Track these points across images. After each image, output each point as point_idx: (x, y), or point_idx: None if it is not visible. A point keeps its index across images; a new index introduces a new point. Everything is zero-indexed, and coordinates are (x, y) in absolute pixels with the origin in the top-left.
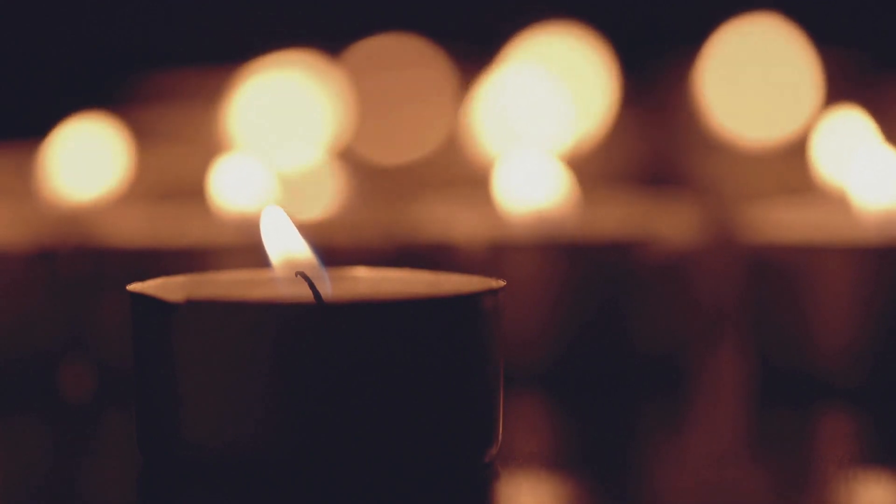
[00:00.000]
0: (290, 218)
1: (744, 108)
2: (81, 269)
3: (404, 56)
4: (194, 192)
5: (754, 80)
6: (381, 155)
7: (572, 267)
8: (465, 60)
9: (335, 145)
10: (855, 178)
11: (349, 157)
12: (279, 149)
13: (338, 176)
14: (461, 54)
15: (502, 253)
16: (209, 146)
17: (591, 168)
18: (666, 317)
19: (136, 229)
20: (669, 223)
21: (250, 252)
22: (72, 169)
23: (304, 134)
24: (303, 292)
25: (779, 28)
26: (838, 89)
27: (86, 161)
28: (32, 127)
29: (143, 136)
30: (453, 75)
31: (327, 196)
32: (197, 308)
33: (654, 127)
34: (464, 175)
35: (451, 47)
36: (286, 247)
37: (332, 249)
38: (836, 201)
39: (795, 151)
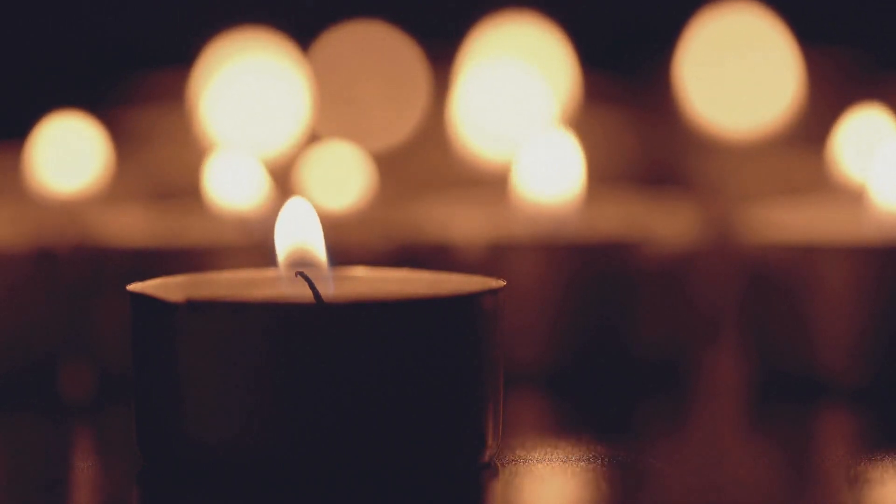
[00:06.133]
0: (315, 212)
1: (733, 103)
2: (81, 269)
3: (375, 45)
4: (193, 192)
5: (739, 73)
6: (359, 145)
7: (572, 267)
8: (441, 53)
9: (319, 138)
10: (870, 176)
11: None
12: (271, 144)
13: (332, 170)
14: (436, 46)
15: (502, 253)
16: (205, 144)
17: (589, 168)
18: (666, 317)
19: (136, 229)
20: (669, 223)
21: (250, 252)
22: (71, 169)
23: (290, 127)
24: (303, 292)
25: (760, 18)
26: (839, 88)
27: (85, 161)
28: (27, 127)
29: (139, 135)
30: (430, 67)
31: (328, 191)
32: (197, 308)
33: (652, 126)
34: (463, 174)
35: (424, 39)
36: (300, 240)
37: (332, 250)
38: (836, 200)
39: (790, 148)
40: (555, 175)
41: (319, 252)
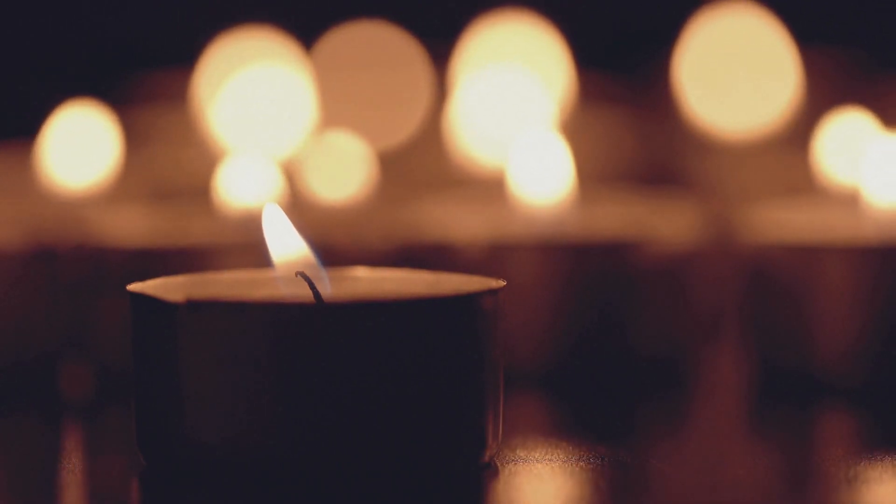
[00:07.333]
0: (288, 216)
1: (731, 103)
2: (81, 269)
3: (378, 45)
4: (194, 192)
5: (738, 73)
6: (363, 144)
7: (572, 267)
8: (442, 53)
9: (322, 137)
10: (863, 176)
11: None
12: (274, 144)
13: (335, 169)
14: (438, 46)
15: (502, 253)
16: (207, 144)
17: (589, 168)
18: (666, 316)
19: (136, 229)
20: (669, 223)
21: (250, 252)
22: (72, 168)
23: (294, 127)
24: (303, 292)
25: (759, 18)
26: (837, 89)
27: (86, 160)
28: (32, 125)
29: (142, 135)
30: (432, 67)
31: (330, 189)
32: (197, 308)
33: (650, 126)
34: (463, 174)
35: (426, 39)
36: (286, 245)
37: (333, 249)
38: (835, 200)
39: (789, 147)
40: (554, 175)
41: (305, 254)
